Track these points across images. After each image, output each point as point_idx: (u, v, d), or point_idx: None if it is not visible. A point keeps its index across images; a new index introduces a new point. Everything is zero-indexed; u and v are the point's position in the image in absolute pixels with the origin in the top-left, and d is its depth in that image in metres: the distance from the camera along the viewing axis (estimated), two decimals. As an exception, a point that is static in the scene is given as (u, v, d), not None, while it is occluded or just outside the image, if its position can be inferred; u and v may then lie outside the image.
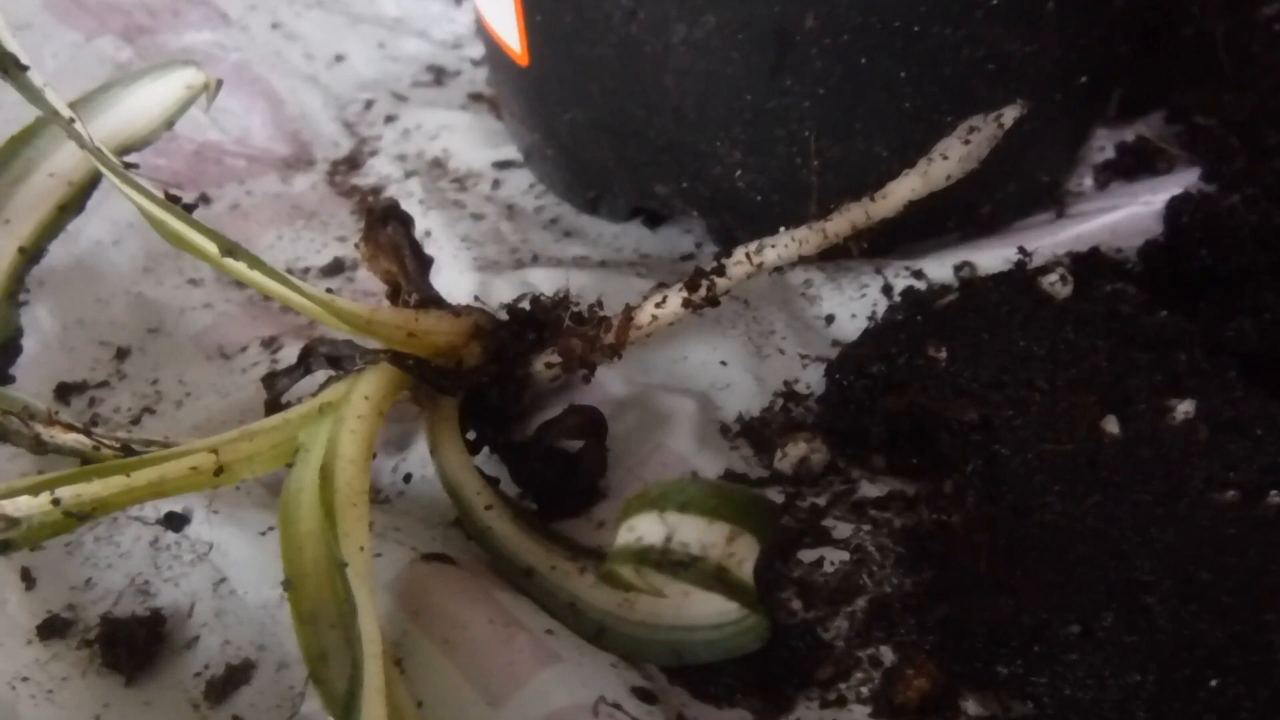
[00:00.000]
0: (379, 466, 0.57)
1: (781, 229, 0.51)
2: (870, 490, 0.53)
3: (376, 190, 0.78)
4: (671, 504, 0.42)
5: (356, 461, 0.46)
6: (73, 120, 0.46)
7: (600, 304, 0.55)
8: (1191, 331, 0.53)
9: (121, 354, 0.65)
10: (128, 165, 0.47)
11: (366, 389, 0.48)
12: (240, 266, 0.45)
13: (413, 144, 0.83)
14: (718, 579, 0.41)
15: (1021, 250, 0.62)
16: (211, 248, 0.45)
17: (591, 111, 0.66)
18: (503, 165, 0.80)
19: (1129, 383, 0.50)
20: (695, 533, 0.42)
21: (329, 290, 0.66)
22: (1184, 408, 0.49)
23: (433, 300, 0.54)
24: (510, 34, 0.67)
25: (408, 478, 0.57)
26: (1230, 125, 0.70)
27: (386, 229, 0.54)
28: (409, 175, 0.79)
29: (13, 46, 0.44)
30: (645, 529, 0.42)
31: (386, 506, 0.55)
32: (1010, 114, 0.49)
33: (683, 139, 0.63)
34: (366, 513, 0.45)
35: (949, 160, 0.49)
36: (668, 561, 0.41)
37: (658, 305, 0.52)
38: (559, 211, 0.75)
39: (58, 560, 0.53)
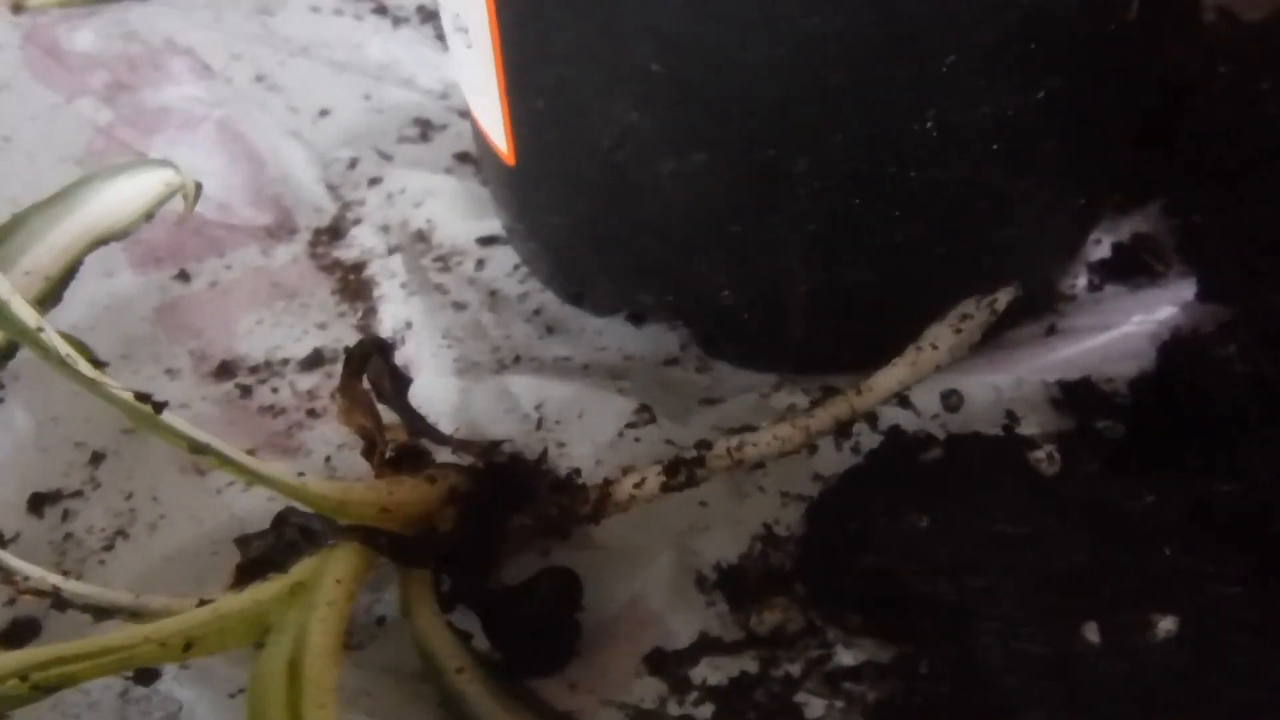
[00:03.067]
0: (353, 606, 0.56)
1: (764, 425, 0.51)
2: (845, 658, 0.52)
3: (358, 267, 0.77)
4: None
5: (325, 655, 0.46)
6: (40, 330, 0.45)
7: (578, 472, 0.54)
8: (1179, 521, 0.52)
9: (96, 458, 0.64)
10: (97, 364, 0.46)
11: (338, 572, 0.48)
12: (212, 460, 0.45)
13: (396, 211, 0.81)
14: None
15: (1010, 415, 0.61)
16: (183, 445, 0.44)
17: (576, 220, 0.65)
18: (487, 241, 0.79)
19: (1112, 585, 0.50)
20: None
21: (310, 390, 0.66)
22: (1165, 624, 0.48)
23: (409, 450, 0.54)
24: (498, 136, 0.66)
25: (381, 621, 0.56)
26: (1231, 236, 0.69)
27: (363, 381, 0.53)
28: (392, 251, 0.78)
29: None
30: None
31: (358, 656, 0.55)
32: (1004, 298, 0.49)
33: (668, 258, 0.63)
34: (333, 713, 0.44)
35: (939, 350, 0.49)
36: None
37: (636, 486, 0.52)
38: (542, 300, 0.74)
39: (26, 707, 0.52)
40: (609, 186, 0.61)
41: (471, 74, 0.65)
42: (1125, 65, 0.57)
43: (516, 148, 0.65)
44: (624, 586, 0.56)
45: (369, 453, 0.53)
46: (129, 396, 0.44)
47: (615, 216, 0.62)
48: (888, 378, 0.48)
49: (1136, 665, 0.48)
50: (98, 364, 0.47)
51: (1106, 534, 0.52)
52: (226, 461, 0.44)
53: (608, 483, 0.52)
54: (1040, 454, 0.56)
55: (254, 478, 0.46)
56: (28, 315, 0.45)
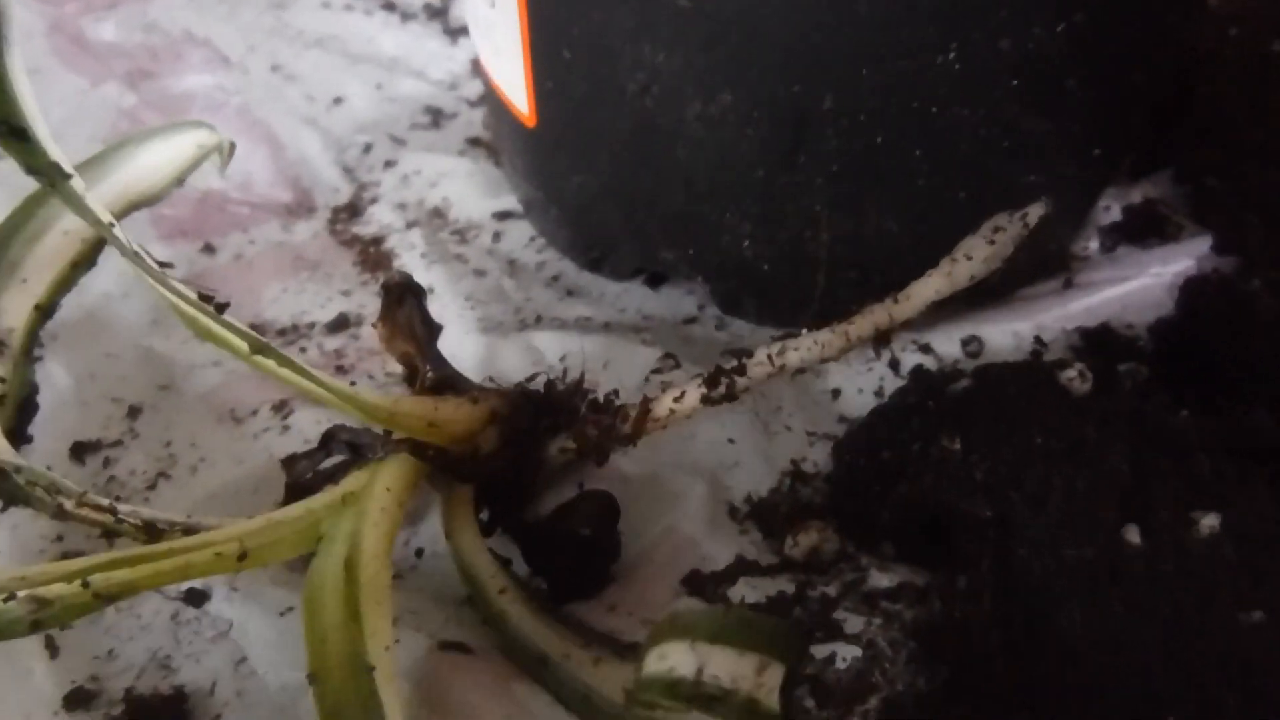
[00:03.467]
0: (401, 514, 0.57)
1: (804, 330, 0.52)
2: (880, 580, 0.53)
3: (378, 240, 0.78)
4: (703, 634, 0.43)
5: (380, 557, 0.47)
6: (111, 225, 0.46)
7: (616, 393, 0.55)
8: (1217, 433, 0.53)
9: (133, 412, 0.65)
10: (162, 265, 0.47)
11: (388, 481, 0.49)
12: (269, 363, 0.46)
13: (412, 191, 0.83)
14: (749, 712, 0.41)
15: (1038, 340, 0.63)
16: (242, 346, 0.45)
17: (599, 177, 0.67)
18: (502, 216, 0.80)
19: (1151, 490, 0.51)
20: (727, 665, 0.42)
21: (336, 350, 0.67)
22: (1208, 521, 0.49)
23: (448, 379, 0.55)
24: (518, 96, 0.67)
25: (419, 552, 0.57)
26: (1246, 196, 0.70)
27: (403, 308, 0.55)
28: (410, 226, 0.79)
29: (56, 156, 0.44)
30: (677, 659, 0.42)
31: (399, 583, 0.56)
32: (1035, 212, 0.50)
33: (692, 209, 0.64)
34: (389, 609, 0.45)
35: (973, 260, 0.50)
36: (699, 695, 0.42)
37: (676, 400, 0.53)
38: (560, 268, 0.76)
39: (80, 630, 0.54)
40: (634, 136, 0.62)
41: (493, 35, 0.66)
42: (1144, 6, 0.59)
43: (539, 107, 0.66)
44: (658, 518, 0.57)
45: (410, 379, 0.54)
46: (192, 295, 0.45)
47: (640, 168, 0.64)
48: (925, 287, 0.50)
49: (1182, 562, 0.48)
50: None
51: (1144, 442, 0.53)
52: (285, 363, 0.45)
53: (647, 400, 0.53)
54: (1071, 373, 0.57)
55: (311, 382, 0.47)
56: (101, 211, 0.46)
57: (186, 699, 0.51)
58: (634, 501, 0.57)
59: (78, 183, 0.45)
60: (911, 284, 0.50)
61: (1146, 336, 0.64)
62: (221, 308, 0.46)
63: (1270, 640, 0.46)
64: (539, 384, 0.56)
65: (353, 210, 0.82)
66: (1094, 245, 0.73)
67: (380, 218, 0.81)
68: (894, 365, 0.63)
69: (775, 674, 0.42)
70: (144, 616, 0.54)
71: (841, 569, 0.55)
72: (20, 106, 0.42)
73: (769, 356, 0.51)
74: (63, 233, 0.61)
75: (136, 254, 0.46)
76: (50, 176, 0.44)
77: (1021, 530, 0.51)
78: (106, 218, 0.46)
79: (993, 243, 0.49)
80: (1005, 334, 0.64)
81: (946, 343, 0.64)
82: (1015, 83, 0.56)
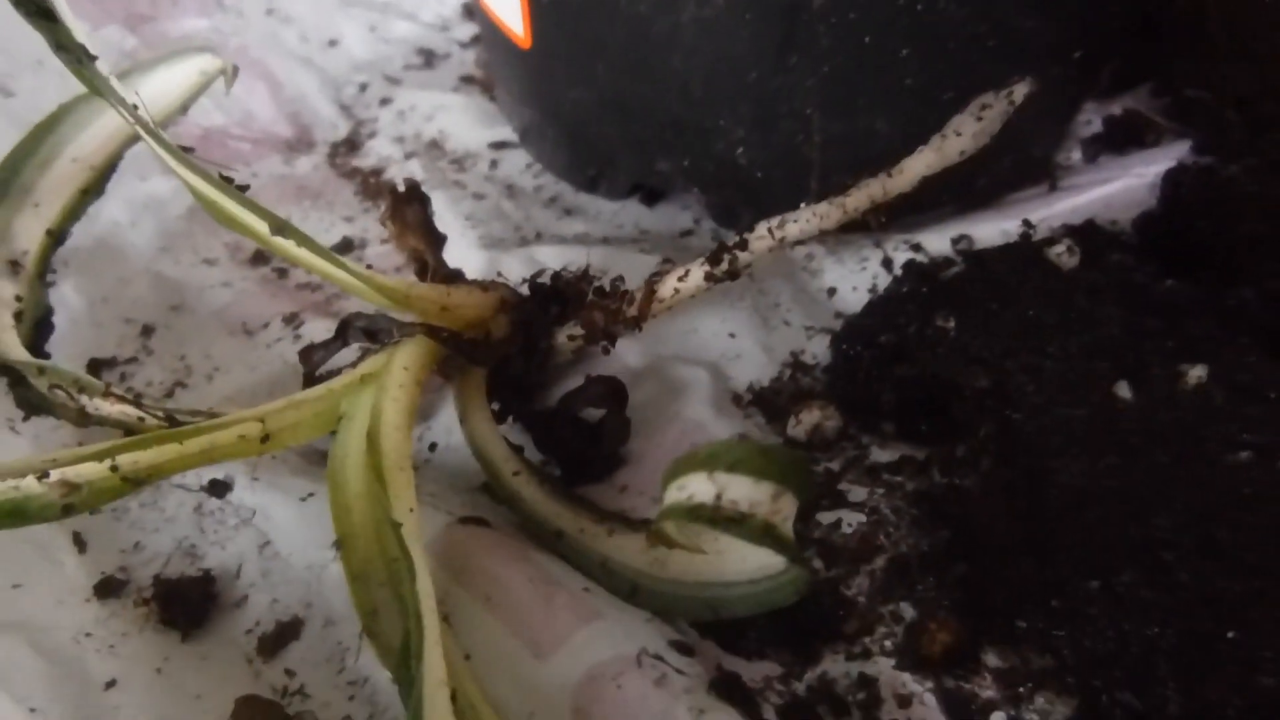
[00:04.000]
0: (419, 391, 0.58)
1: (802, 204, 0.53)
2: (881, 456, 0.55)
3: (377, 171, 0.80)
4: (721, 464, 0.45)
5: (401, 428, 0.48)
6: (136, 107, 0.48)
7: (622, 279, 0.57)
8: (1202, 298, 0.55)
9: (147, 330, 0.66)
10: (185, 149, 0.48)
11: (405, 360, 0.50)
12: (289, 245, 0.47)
13: (409, 125, 0.85)
14: (765, 534, 0.43)
15: (1026, 223, 0.64)
16: (262, 226, 0.47)
17: (596, 90, 0.68)
18: (499, 146, 0.82)
19: (1142, 349, 0.53)
20: (744, 491, 0.44)
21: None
22: (1196, 372, 0.51)
23: (455, 275, 0.56)
24: (512, 16, 0.69)
25: (433, 446, 0.59)
26: (1225, 98, 0.72)
27: (410, 207, 0.56)
28: (408, 156, 0.81)
29: (82, 38, 0.45)
30: (696, 487, 0.44)
31: (416, 473, 0.56)
32: (1020, 90, 0.51)
33: (688, 116, 0.65)
34: (412, 477, 0.47)
35: (963, 136, 0.51)
36: (719, 518, 0.43)
37: (680, 279, 0.54)
38: (558, 190, 0.77)
39: (106, 526, 0.55)
40: (630, 45, 0.63)
41: (489, -41, 0.68)
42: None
43: (534, 26, 0.68)
44: (665, 406, 0.59)
45: (421, 272, 0.56)
46: (214, 174, 0.47)
47: (636, 77, 0.65)
48: (916, 161, 0.51)
49: (1173, 410, 0.50)
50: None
51: (1133, 308, 0.54)
52: (305, 241, 0.47)
53: (652, 280, 0.55)
54: (1060, 248, 0.59)
55: (329, 263, 0.49)
56: (124, 91, 0.47)
57: (214, 581, 0.52)
58: (640, 391, 0.59)
59: (101, 64, 0.46)
60: (904, 159, 0.52)
61: (1130, 230, 0.66)
62: (243, 188, 0.47)
63: (1258, 475, 0.48)
64: (546, 277, 0.57)
65: (351, 145, 0.83)
66: (1076, 155, 0.75)
67: (379, 150, 0.82)
68: (887, 264, 0.65)
69: (789, 503, 0.44)
70: (168, 509, 0.56)
71: (843, 446, 0.56)
72: (46, -16, 0.44)
73: (769, 230, 0.53)
74: (71, 160, 0.62)
75: (160, 135, 0.47)
76: (77, 54, 0.45)
77: (1017, 396, 0.52)
78: (130, 97, 0.47)
79: (980, 119, 0.51)
80: (993, 231, 0.66)
81: (937, 241, 0.66)
82: (1000, -24, 0.58)
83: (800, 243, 0.53)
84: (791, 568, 0.45)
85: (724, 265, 0.53)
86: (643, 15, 0.61)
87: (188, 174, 0.48)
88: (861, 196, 0.51)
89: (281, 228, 0.46)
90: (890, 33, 0.59)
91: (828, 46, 0.60)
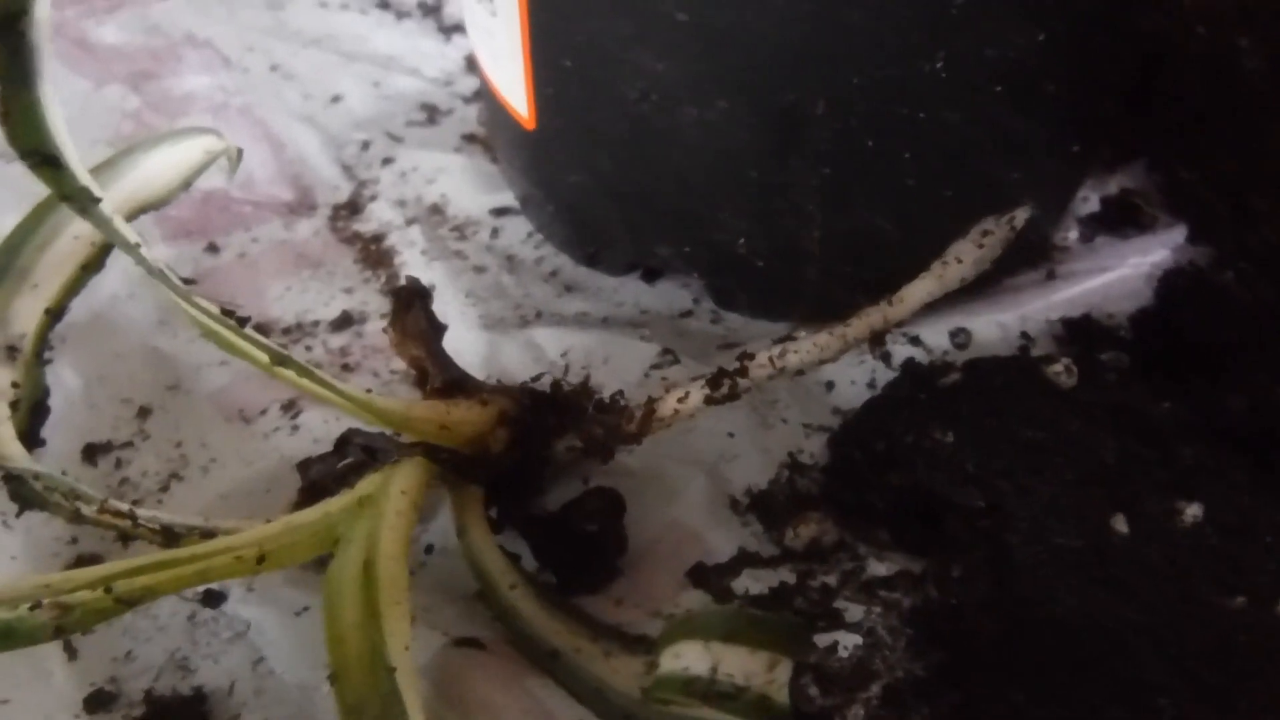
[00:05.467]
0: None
1: (803, 334, 0.54)
2: (878, 569, 0.55)
3: (378, 238, 0.80)
4: (715, 634, 0.45)
5: (397, 558, 0.48)
6: (138, 245, 0.48)
7: (622, 393, 0.57)
8: (1195, 421, 0.55)
9: (143, 412, 0.66)
10: (187, 282, 0.49)
11: (403, 484, 0.51)
12: (290, 374, 0.48)
13: (411, 188, 0.84)
14: (760, 708, 0.44)
15: (1024, 335, 0.64)
16: (263, 358, 0.47)
17: (597, 177, 0.68)
18: (500, 212, 0.82)
19: (1136, 480, 0.53)
20: (740, 663, 0.44)
21: (341, 348, 0.69)
22: (1192, 510, 0.51)
23: (456, 381, 0.56)
24: (518, 100, 0.69)
25: (429, 549, 0.59)
26: (1214, 187, 0.72)
27: (411, 313, 0.56)
28: (409, 223, 0.81)
29: (85, 180, 0.45)
30: (691, 658, 0.44)
31: (411, 580, 0.56)
32: (1021, 215, 0.52)
33: (687, 207, 0.65)
34: (408, 610, 0.47)
35: (963, 264, 0.51)
36: (715, 693, 0.44)
37: (680, 400, 0.54)
38: (558, 263, 0.77)
39: (97, 633, 0.55)
40: (632, 139, 0.64)
41: (494, 41, 0.68)
42: (1117, 12, 0.61)
43: (538, 110, 0.68)
44: (661, 512, 0.59)
45: (421, 381, 0.56)
46: (215, 310, 0.47)
47: (637, 169, 0.65)
48: (917, 289, 0.51)
49: (1168, 549, 0.50)
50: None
51: (1129, 434, 0.55)
52: (304, 373, 0.47)
53: (652, 400, 0.55)
54: (1058, 367, 0.59)
55: (329, 390, 0.49)
56: (128, 233, 0.48)
57: (206, 699, 0.52)
58: (637, 495, 0.59)
59: (105, 205, 0.46)
60: (904, 287, 0.52)
61: (1127, 325, 0.66)
62: (243, 321, 0.48)
63: (1252, 623, 0.48)
64: (545, 383, 0.57)
65: (353, 208, 0.83)
66: (1074, 235, 0.75)
67: (380, 215, 0.82)
68: (885, 358, 0.65)
69: (785, 670, 0.44)
70: (161, 618, 0.55)
71: (840, 558, 0.56)
72: (53, 137, 0.44)
73: (770, 359, 0.53)
74: (73, 238, 0.62)
75: (163, 272, 0.47)
76: (81, 202, 0.45)
77: (1012, 519, 0.53)
78: (132, 237, 0.48)
79: (981, 246, 0.51)
80: (991, 325, 0.66)
81: (935, 335, 0.66)
82: (999, 88, 0.58)
83: (800, 371, 0.54)
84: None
85: (723, 389, 0.54)
86: (645, 113, 0.61)
87: (190, 309, 0.48)
88: (862, 326, 0.52)
89: (282, 360, 0.46)
90: (890, 137, 0.59)
91: (828, 150, 0.60)
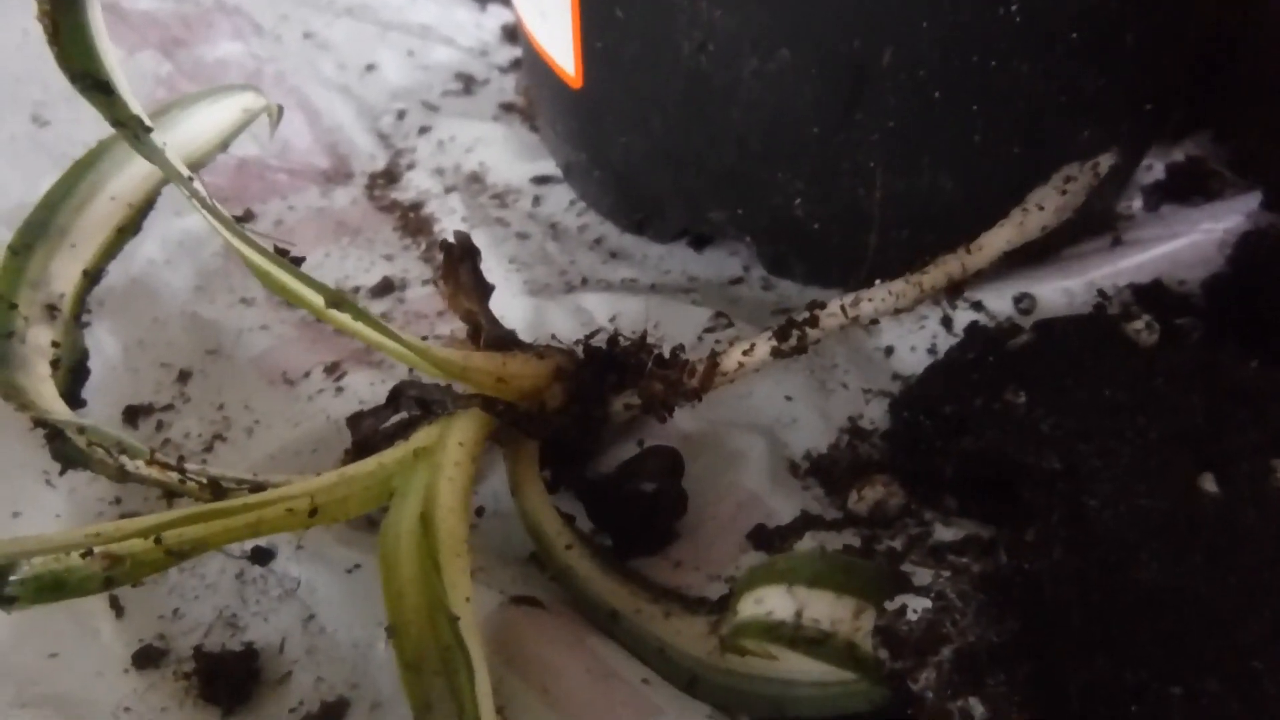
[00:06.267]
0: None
1: (877, 281, 0.52)
2: (945, 534, 0.53)
3: (416, 206, 0.78)
4: (801, 578, 0.43)
5: (457, 511, 0.46)
6: (191, 178, 0.46)
7: (682, 347, 0.55)
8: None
9: (183, 376, 0.65)
10: (239, 219, 0.47)
11: (461, 435, 0.49)
12: (345, 318, 0.46)
13: (449, 157, 0.83)
14: (848, 655, 0.42)
15: (1101, 294, 0.62)
16: (317, 300, 0.45)
17: (649, 138, 0.66)
18: (541, 180, 0.80)
19: (1227, 439, 0.50)
20: (825, 608, 0.42)
21: (383, 314, 0.67)
22: (1287, 469, 0.49)
23: (506, 339, 0.54)
24: (564, 57, 0.67)
25: (480, 511, 0.57)
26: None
27: (464, 266, 0.54)
28: (448, 190, 0.79)
29: (137, 109, 0.44)
30: (775, 603, 0.42)
31: None
32: (1106, 161, 0.50)
33: (743, 168, 0.63)
34: (468, 563, 0.45)
35: (1045, 210, 0.50)
36: (800, 639, 0.42)
37: (745, 353, 0.53)
38: (603, 231, 0.76)
39: (144, 590, 0.54)
40: (687, 96, 0.62)
41: (540, -4, 0.66)
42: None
43: (586, 69, 0.66)
44: (720, 475, 0.57)
45: (474, 336, 0.54)
46: (269, 245, 0.45)
47: (691, 128, 0.63)
48: (996, 237, 0.49)
49: (1262, 509, 0.48)
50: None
51: (1217, 393, 0.52)
52: (360, 316, 0.45)
53: (715, 353, 0.53)
54: (1138, 324, 0.57)
55: (385, 336, 0.47)
56: (180, 165, 0.46)
57: (257, 655, 0.51)
58: (695, 459, 0.57)
59: (158, 135, 0.44)
60: (983, 234, 0.50)
61: (1199, 292, 0.64)
62: (298, 261, 0.46)
63: (1356, 587, 0.46)
64: (600, 341, 0.56)
65: (390, 176, 0.82)
66: (1138, 204, 0.73)
67: (418, 183, 0.80)
68: (946, 323, 0.63)
69: (869, 618, 0.42)
70: (209, 576, 0.54)
71: (906, 523, 0.55)
72: (104, 62, 0.42)
73: (842, 307, 0.51)
74: (109, 198, 0.60)
75: (214, 208, 0.45)
76: (132, 129, 0.44)
77: (1092, 482, 0.50)
78: (183, 170, 0.46)
79: (1064, 192, 0.49)
80: (1057, 291, 0.64)
81: (998, 300, 0.64)
82: (1075, 35, 0.56)
83: (874, 320, 0.52)
84: (863, 682, 0.43)
85: (792, 340, 0.52)
86: (703, 67, 0.60)
87: (243, 246, 0.46)
88: (939, 274, 0.50)
89: (337, 301, 0.44)
90: (959, 90, 0.57)
91: (894, 103, 0.58)
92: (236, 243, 0.46)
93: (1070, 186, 0.49)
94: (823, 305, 0.52)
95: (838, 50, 0.56)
